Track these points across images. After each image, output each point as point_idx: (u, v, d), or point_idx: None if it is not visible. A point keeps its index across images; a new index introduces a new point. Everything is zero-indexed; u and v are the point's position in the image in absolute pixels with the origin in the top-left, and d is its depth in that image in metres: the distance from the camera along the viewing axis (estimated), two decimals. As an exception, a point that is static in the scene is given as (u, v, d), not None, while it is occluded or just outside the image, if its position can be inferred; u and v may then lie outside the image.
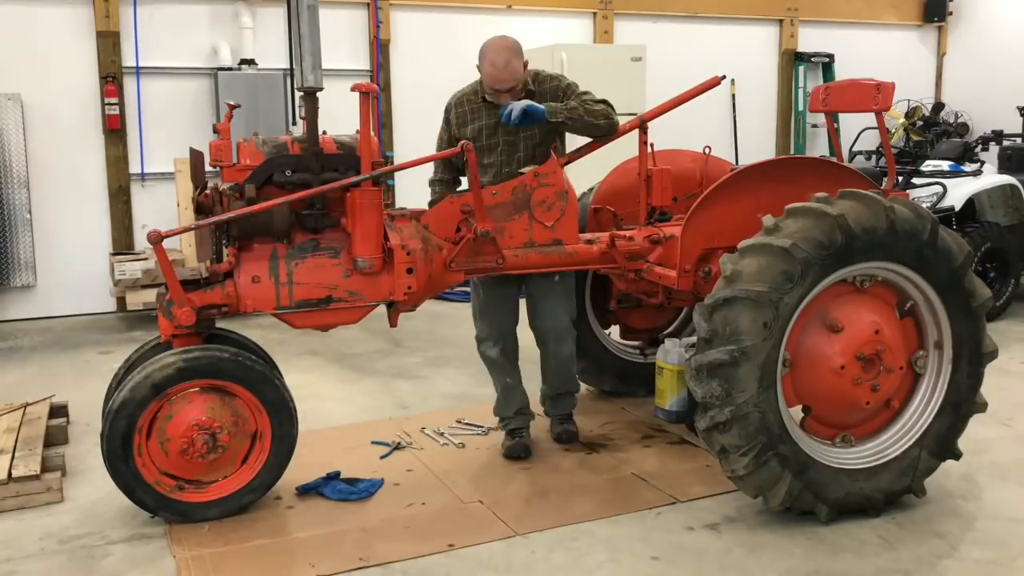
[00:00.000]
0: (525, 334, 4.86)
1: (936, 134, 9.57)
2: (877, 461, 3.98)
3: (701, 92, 4.85)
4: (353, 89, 4.02)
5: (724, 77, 4.99)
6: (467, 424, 5.13)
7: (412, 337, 7.23)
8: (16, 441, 4.54)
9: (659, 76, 9.05)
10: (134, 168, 8.28)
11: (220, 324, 4.34)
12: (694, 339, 3.86)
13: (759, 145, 10.82)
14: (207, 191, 4.17)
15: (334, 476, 4.30)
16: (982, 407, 4.13)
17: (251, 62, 8.40)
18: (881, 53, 11.33)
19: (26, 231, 7.87)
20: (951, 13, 11.62)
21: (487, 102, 4.63)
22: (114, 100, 8.06)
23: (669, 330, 5.69)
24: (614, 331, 5.68)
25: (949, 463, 4.16)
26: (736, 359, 3.61)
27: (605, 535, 3.84)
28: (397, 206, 5.68)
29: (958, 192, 7.49)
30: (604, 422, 5.17)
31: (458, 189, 4.88)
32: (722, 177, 4.44)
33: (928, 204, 7.25)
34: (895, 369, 3.94)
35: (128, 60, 8.17)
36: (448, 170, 4.89)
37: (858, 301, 3.93)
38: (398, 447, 4.81)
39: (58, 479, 4.26)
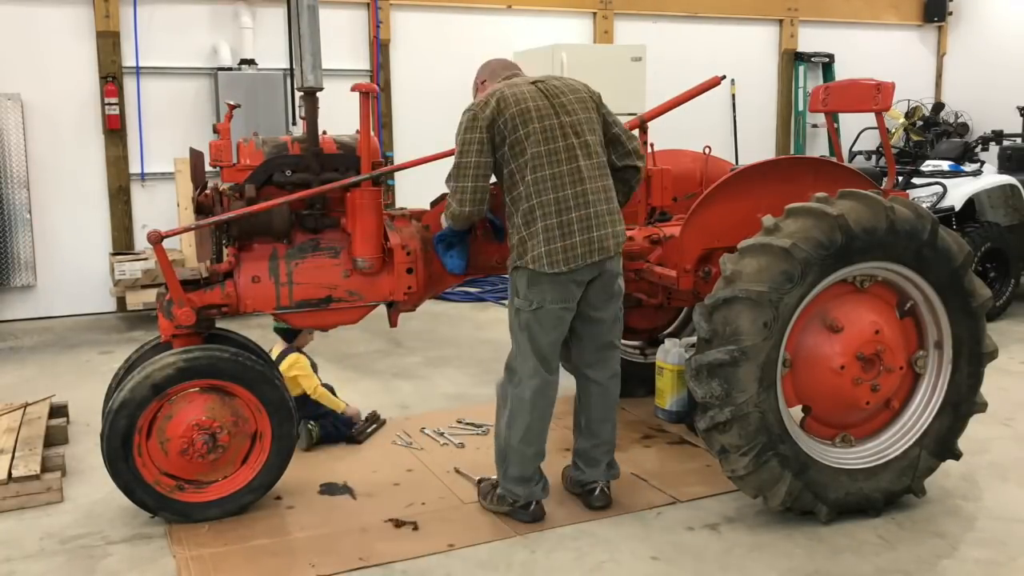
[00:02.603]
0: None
1: (936, 134, 9.58)
2: (877, 461, 3.98)
3: (701, 92, 4.85)
4: (353, 89, 4.02)
5: (724, 77, 4.99)
6: (467, 424, 5.13)
7: (412, 337, 7.23)
8: (16, 441, 4.54)
9: (659, 76, 9.04)
10: (134, 168, 8.28)
11: (220, 324, 4.34)
12: (694, 339, 3.86)
13: (759, 145, 10.82)
14: (207, 191, 4.18)
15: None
16: (982, 407, 4.13)
17: (251, 62, 8.40)
18: (881, 53, 11.33)
19: (26, 231, 7.87)
20: (951, 13, 11.62)
21: None
22: (114, 100, 8.06)
23: (669, 330, 5.69)
24: (614, 331, 5.67)
25: (949, 463, 4.16)
26: (736, 359, 3.61)
27: (605, 535, 3.84)
28: (397, 206, 5.70)
29: (958, 192, 7.49)
30: (604, 422, 5.17)
31: None
32: (722, 177, 4.44)
33: (928, 204, 7.25)
34: (895, 369, 3.94)
35: (128, 60, 8.17)
36: None
37: (858, 301, 3.93)
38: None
39: (58, 479, 4.26)
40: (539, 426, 3.90)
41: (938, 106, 10.01)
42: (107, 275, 8.01)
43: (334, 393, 4.96)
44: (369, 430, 4.96)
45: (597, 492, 4.05)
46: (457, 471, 4.46)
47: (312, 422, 4.77)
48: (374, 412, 5.14)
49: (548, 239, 3.72)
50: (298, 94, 4.90)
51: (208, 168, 4.27)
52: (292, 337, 4.89)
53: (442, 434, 4.98)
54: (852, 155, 9.12)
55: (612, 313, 3.96)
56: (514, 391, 3.89)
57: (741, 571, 3.56)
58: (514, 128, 3.74)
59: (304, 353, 4.91)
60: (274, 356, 4.78)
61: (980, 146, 8.41)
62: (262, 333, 6.12)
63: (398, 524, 3.90)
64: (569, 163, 3.76)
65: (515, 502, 3.95)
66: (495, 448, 4.02)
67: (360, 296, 4.19)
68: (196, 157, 4.22)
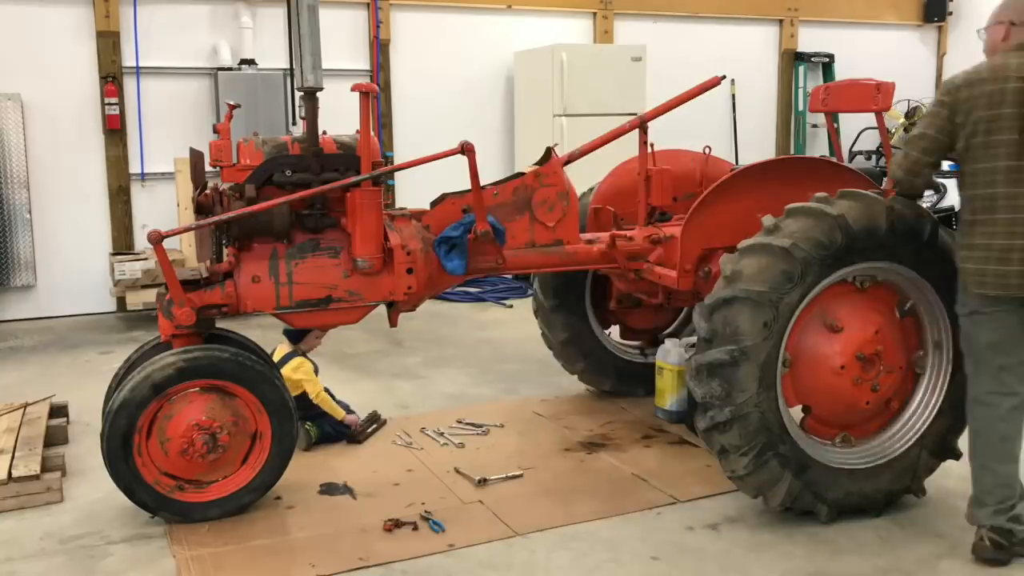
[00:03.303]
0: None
1: (936, 134, 9.54)
2: (877, 461, 3.98)
3: (701, 92, 4.85)
4: (353, 89, 4.02)
5: (724, 77, 4.99)
6: (467, 424, 5.13)
7: (412, 337, 7.23)
8: (16, 441, 4.54)
9: (659, 76, 9.05)
10: (134, 168, 8.28)
11: (220, 324, 4.34)
12: (694, 339, 3.86)
13: (759, 145, 10.82)
14: (207, 191, 4.18)
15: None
16: (982, 407, 4.12)
17: (251, 62, 8.40)
18: (881, 53, 11.32)
19: (26, 231, 7.87)
20: (951, 13, 11.62)
21: None
22: (114, 100, 8.06)
23: (669, 330, 5.70)
24: (614, 331, 5.68)
25: (949, 463, 4.16)
26: (736, 359, 3.61)
27: (605, 535, 3.84)
28: (397, 206, 5.70)
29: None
30: (604, 422, 5.17)
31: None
32: (722, 177, 4.44)
33: (928, 204, 7.25)
34: (895, 369, 3.94)
35: (128, 60, 8.17)
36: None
37: (858, 301, 3.93)
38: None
39: (58, 479, 4.26)
40: (999, 447, 3.54)
41: (938, 106, 9.99)
42: (107, 275, 8.01)
43: (333, 399, 4.96)
44: (369, 430, 4.96)
45: (976, 540, 3.62)
46: (457, 471, 4.46)
47: (309, 423, 4.77)
48: (375, 412, 5.14)
49: (980, 259, 3.50)
50: (298, 94, 4.90)
51: (208, 168, 4.26)
52: (298, 339, 4.89)
53: (442, 434, 4.98)
54: (852, 155, 9.13)
55: None
56: (967, 404, 3.67)
57: (741, 571, 3.56)
58: (973, 132, 3.44)
59: (308, 357, 4.91)
60: (277, 358, 4.78)
61: (980, 146, 8.39)
62: (262, 333, 6.12)
63: (398, 524, 3.90)
64: None
65: None
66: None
67: (360, 296, 4.19)
68: (196, 157, 4.22)
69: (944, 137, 3.55)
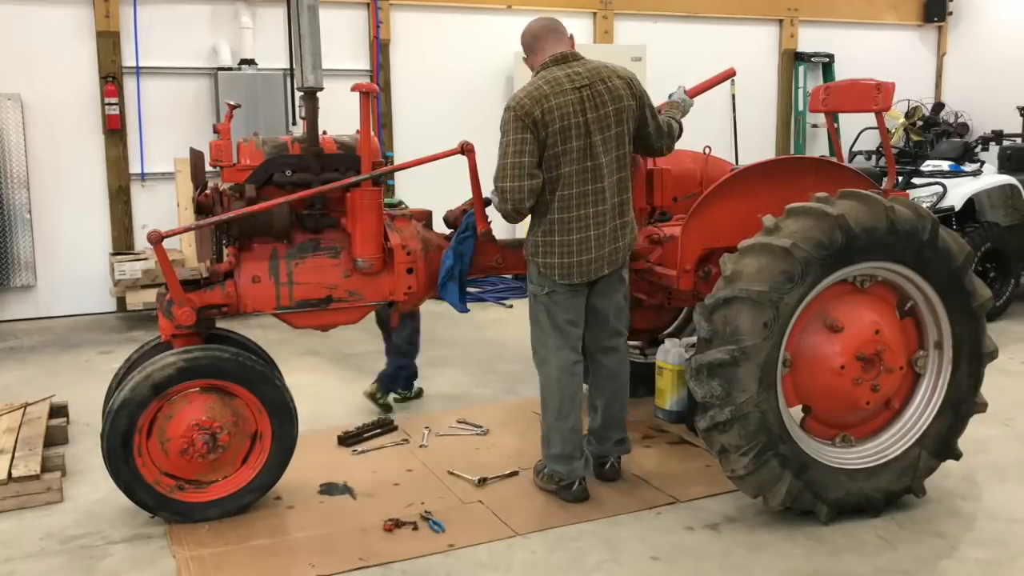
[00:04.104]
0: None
1: (936, 134, 9.56)
2: (877, 461, 3.98)
3: (716, 84, 4.89)
4: (353, 89, 4.03)
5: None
6: (467, 424, 5.13)
7: (412, 337, 7.22)
8: (16, 441, 4.54)
9: (659, 76, 9.04)
10: (134, 168, 8.28)
11: (220, 324, 4.34)
12: (694, 339, 3.87)
13: (759, 145, 10.81)
14: (207, 191, 4.18)
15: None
16: (982, 407, 4.13)
17: (251, 62, 8.40)
18: (881, 53, 11.32)
19: (26, 231, 7.87)
20: (951, 13, 11.62)
21: None
22: (114, 100, 8.06)
23: (669, 330, 5.69)
24: (614, 331, 5.67)
25: (949, 463, 4.16)
26: (736, 359, 3.61)
27: (605, 535, 3.84)
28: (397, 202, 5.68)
29: (958, 192, 7.49)
30: (604, 422, 5.17)
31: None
32: (722, 177, 4.44)
33: (928, 204, 7.25)
34: (895, 369, 3.94)
35: (128, 60, 8.17)
36: None
37: (858, 301, 3.93)
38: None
39: (58, 479, 4.26)
40: (570, 402, 4.12)
41: (938, 106, 10.00)
42: (107, 275, 8.02)
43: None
44: (366, 435, 4.94)
45: (607, 466, 4.35)
46: (451, 473, 4.44)
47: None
48: (387, 417, 5.12)
49: (564, 253, 3.96)
50: (298, 94, 4.89)
51: (208, 168, 4.27)
52: None
53: (442, 434, 4.97)
54: (852, 155, 9.11)
55: (615, 303, 4.17)
56: (543, 372, 4.14)
57: (741, 571, 3.56)
58: (553, 144, 3.88)
59: None
60: None
61: (980, 146, 8.40)
62: (262, 333, 6.13)
63: (398, 524, 3.90)
64: (595, 183, 3.93)
65: (560, 481, 4.15)
66: (540, 432, 4.28)
67: (360, 296, 4.20)
68: (196, 157, 4.22)
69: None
